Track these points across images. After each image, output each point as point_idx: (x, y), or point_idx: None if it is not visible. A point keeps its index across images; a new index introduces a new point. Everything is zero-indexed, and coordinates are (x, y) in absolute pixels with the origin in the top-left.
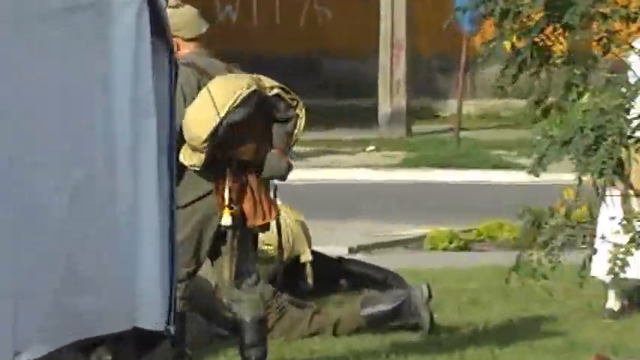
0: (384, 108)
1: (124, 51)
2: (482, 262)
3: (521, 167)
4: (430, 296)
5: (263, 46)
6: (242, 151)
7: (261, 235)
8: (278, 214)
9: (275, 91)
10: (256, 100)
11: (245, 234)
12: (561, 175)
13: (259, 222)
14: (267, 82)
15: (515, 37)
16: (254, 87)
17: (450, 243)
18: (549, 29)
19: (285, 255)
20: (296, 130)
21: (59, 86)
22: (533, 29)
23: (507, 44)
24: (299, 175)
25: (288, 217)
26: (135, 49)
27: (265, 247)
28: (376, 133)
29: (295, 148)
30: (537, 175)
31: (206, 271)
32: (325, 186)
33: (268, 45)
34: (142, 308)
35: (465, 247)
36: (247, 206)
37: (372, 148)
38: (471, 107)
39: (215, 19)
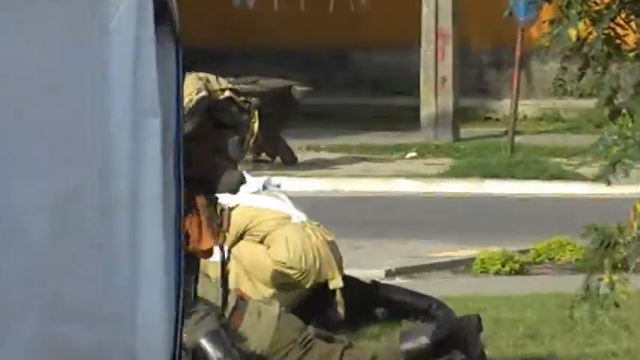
0: (428, 108)
1: (122, 38)
2: (541, 288)
3: (585, 178)
4: (480, 328)
5: (285, 37)
6: (190, 164)
7: (283, 259)
8: (224, 240)
9: (226, 94)
10: (206, 107)
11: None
12: (634, 188)
13: (204, 246)
14: (217, 83)
15: (582, 25)
16: (203, 92)
17: (503, 266)
18: (622, 16)
19: (312, 280)
20: (249, 137)
21: (43, 79)
22: (604, 16)
23: (573, 32)
24: (327, 186)
25: (314, 236)
26: (136, 36)
27: (288, 271)
28: (418, 137)
29: (324, 155)
30: (609, 183)
31: (211, 293)
32: (358, 199)
33: (291, 35)
34: (142, 341)
35: (521, 271)
36: (191, 227)
37: (413, 154)
38: (527, 108)
39: (229, 6)
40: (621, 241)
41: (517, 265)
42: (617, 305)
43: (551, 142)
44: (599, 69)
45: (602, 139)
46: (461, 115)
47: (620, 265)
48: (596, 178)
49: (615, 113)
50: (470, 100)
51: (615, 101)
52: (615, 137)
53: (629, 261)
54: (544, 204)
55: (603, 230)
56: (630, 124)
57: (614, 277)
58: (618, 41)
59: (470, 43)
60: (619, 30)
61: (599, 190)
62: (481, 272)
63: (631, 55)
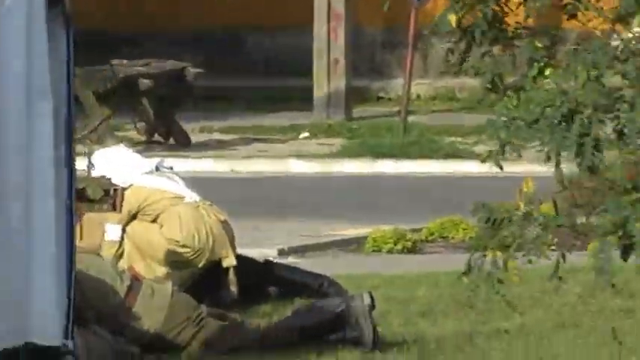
0: (321, 89)
1: (14, 19)
2: (433, 266)
3: (479, 156)
4: (373, 306)
5: (179, 19)
6: None
7: (176, 237)
8: None
9: None
10: None
11: None
12: (527, 166)
13: None
14: None
15: (461, 9)
16: None
17: (396, 244)
18: None
19: (205, 259)
20: None
21: None
22: None
23: (453, 17)
24: (221, 167)
25: (207, 215)
26: (27, 16)
27: (181, 250)
28: (311, 117)
29: (217, 136)
30: (500, 166)
31: (105, 271)
32: (252, 180)
33: (185, 17)
34: (36, 321)
35: (414, 249)
36: None
37: (305, 134)
38: (421, 87)
39: None
40: (508, 219)
41: (409, 244)
42: (500, 282)
43: (445, 121)
44: (484, 49)
45: (491, 121)
46: (354, 96)
47: (507, 243)
48: (484, 160)
49: (503, 93)
50: (363, 80)
51: (500, 83)
52: (504, 119)
53: (516, 239)
54: (438, 183)
55: (491, 208)
56: (516, 103)
57: (501, 255)
58: (501, 25)
59: (363, 23)
60: (501, 12)
61: (495, 168)
62: (373, 251)
63: (519, 31)
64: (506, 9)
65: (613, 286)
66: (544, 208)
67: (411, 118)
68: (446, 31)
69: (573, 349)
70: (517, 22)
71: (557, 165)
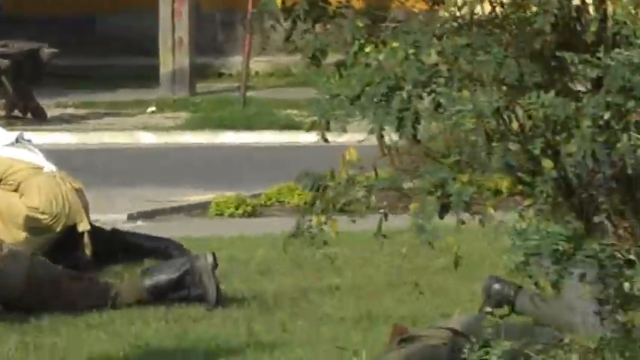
0: (166, 67)
1: None
2: (271, 229)
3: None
4: (215, 265)
5: (35, 4)
6: None
7: (35, 205)
8: None
9: None
10: None
11: None
12: (355, 136)
13: None
14: None
15: None
16: None
17: (237, 209)
18: None
19: (62, 224)
20: None
21: None
22: None
23: None
24: (75, 139)
25: (63, 184)
26: None
27: (40, 216)
28: (158, 93)
29: (71, 111)
30: (325, 140)
31: None
32: (104, 151)
33: (42, 2)
34: None
35: (253, 213)
36: None
37: (153, 109)
38: (260, 64)
39: None
40: (331, 184)
41: (249, 208)
42: (325, 243)
43: (282, 95)
44: (305, 27)
45: (315, 100)
46: (197, 73)
47: (330, 207)
48: (308, 130)
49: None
50: (206, 58)
51: (322, 58)
52: (327, 97)
53: (337, 203)
54: (276, 152)
55: (315, 175)
56: (338, 78)
57: (322, 219)
58: (324, 2)
59: (204, 4)
60: None
61: (329, 138)
62: (216, 215)
63: (341, 10)
64: None
65: (429, 243)
66: (369, 175)
67: (250, 93)
68: (272, 10)
69: (401, 304)
70: (339, 2)
71: (380, 137)
